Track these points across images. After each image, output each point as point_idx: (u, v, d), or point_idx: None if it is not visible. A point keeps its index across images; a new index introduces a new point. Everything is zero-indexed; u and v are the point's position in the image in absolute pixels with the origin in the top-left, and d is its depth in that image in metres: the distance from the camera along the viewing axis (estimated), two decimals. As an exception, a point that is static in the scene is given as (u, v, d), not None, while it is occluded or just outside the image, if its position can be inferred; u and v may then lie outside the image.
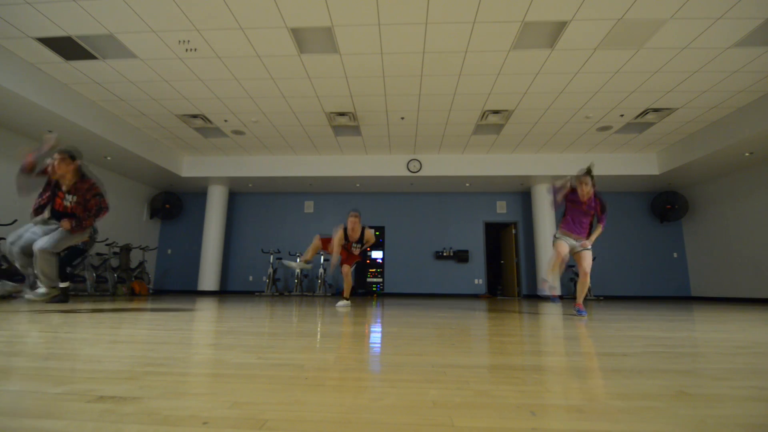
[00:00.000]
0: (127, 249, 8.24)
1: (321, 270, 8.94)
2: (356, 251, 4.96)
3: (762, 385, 1.15)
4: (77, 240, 3.51)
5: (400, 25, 4.34)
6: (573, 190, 3.98)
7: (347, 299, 4.93)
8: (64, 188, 3.43)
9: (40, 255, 3.19)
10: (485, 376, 1.22)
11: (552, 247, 4.17)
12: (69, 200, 3.41)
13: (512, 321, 3.20)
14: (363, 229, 4.92)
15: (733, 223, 7.84)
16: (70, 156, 3.38)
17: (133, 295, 7.69)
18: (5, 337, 1.89)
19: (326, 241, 4.90)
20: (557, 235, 4.11)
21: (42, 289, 3.27)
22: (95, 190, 3.47)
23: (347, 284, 4.96)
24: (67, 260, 4.74)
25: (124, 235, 8.67)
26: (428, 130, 7.27)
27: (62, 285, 3.77)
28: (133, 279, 8.25)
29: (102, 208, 3.50)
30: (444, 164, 8.52)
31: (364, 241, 4.94)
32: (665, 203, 9.02)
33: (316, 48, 4.78)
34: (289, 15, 4.19)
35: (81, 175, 3.47)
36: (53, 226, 3.41)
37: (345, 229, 4.87)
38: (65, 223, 3.34)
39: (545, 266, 4.06)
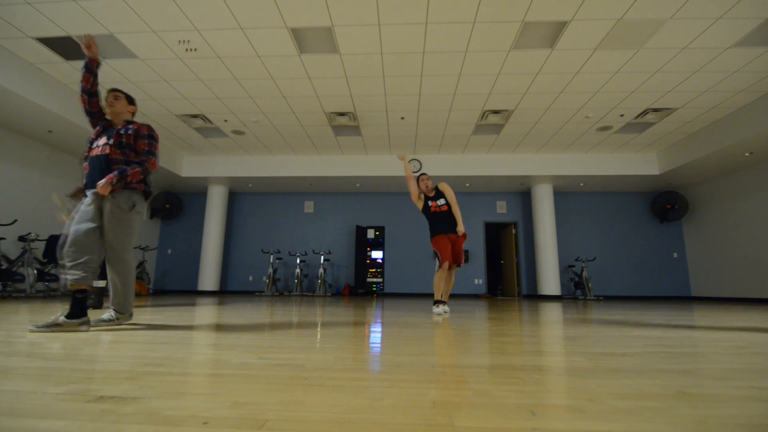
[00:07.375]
0: (127, 249, 8.22)
1: (321, 270, 8.94)
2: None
3: (762, 385, 1.14)
4: None
5: (400, 25, 4.34)
6: None
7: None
8: None
9: None
10: (485, 376, 1.22)
11: None
12: None
13: (512, 321, 3.19)
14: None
15: (733, 223, 7.83)
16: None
17: (133, 295, 7.67)
18: (5, 337, 1.89)
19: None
20: None
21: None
22: None
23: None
24: None
25: (124, 235, 8.65)
26: (428, 130, 7.27)
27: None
28: (133, 279, 8.23)
29: None
30: (444, 164, 8.52)
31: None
32: (665, 203, 9.01)
33: (316, 48, 4.78)
34: (289, 15, 4.19)
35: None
36: None
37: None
38: None
39: None
